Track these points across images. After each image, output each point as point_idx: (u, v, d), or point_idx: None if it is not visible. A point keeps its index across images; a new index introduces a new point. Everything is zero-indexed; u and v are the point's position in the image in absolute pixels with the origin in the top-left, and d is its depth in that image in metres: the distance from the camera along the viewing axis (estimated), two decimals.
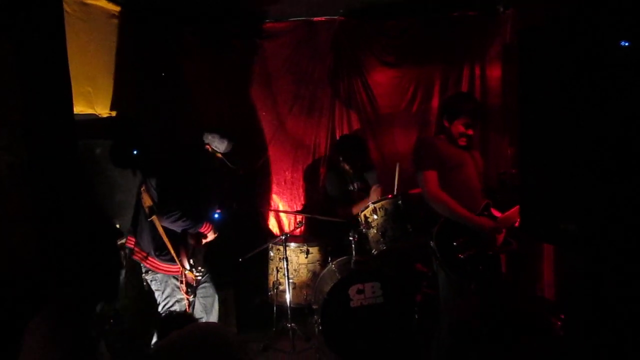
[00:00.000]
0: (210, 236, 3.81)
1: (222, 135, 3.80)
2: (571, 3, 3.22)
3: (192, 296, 3.65)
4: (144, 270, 3.66)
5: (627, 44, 1.83)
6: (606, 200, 2.01)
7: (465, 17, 5.25)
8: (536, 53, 2.21)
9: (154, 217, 3.51)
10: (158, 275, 3.62)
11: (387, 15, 5.19)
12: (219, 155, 3.83)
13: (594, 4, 2.45)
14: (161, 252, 3.57)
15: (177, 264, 3.58)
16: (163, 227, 3.53)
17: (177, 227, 3.57)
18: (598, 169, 2.02)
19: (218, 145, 3.79)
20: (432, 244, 3.49)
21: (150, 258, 3.60)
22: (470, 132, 3.60)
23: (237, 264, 4.58)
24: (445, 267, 3.48)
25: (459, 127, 3.59)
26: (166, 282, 3.62)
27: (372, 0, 4.80)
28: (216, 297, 3.91)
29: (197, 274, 3.68)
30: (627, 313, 2.31)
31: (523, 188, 2.32)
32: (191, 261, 3.65)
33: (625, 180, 1.99)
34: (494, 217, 3.62)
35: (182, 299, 3.61)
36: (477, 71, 5.37)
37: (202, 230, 3.72)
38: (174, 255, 3.55)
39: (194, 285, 3.68)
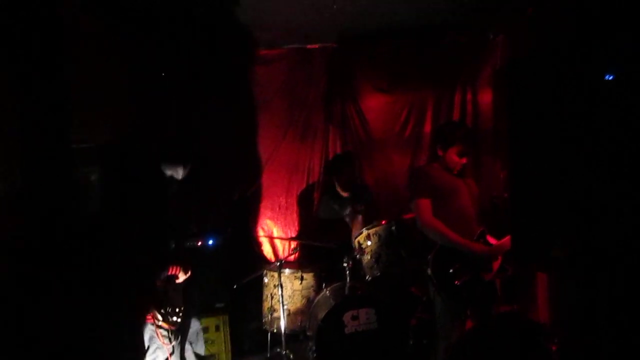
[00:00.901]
0: (181, 277, 3.51)
1: (174, 162, 3.59)
2: (559, 32, 3.31)
3: (173, 342, 3.39)
4: None
5: (611, 77, 1.89)
6: (596, 228, 2.04)
7: (456, 44, 5.32)
8: (525, 82, 2.26)
9: None
10: None
11: (380, 41, 5.26)
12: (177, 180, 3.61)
13: (581, 37, 2.51)
14: None
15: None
16: None
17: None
18: (587, 197, 2.06)
19: (173, 173, 3.58)
20: (428, 271, 3.52)
21: None
22: (464, 160, 3.66)
23: (232, 290, 4.57)
24: (442, 293, 3.51)
25: (452, 156, 3.65)
26: (145, 328, 3.34)
27: (364, 27, 4.86)
28: (199, 326, 3.77)
29: (175, 318, 3.37)
30: (619, 337, 2.33)
31: (514, 217, 2.35)
32: (163, 311, 3.33)
33: (614, 207, 2.02)
34: (490, 244, 3.65)
35: (162, 345, 3.36)
36: (469, 96, 5.44)
37: (170, 272, 3.44)
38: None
39: (175, 329, 3.40)
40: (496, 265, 3.60)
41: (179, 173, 3.61)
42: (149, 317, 3.33)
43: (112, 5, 3.89)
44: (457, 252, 3.52)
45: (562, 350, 3.83)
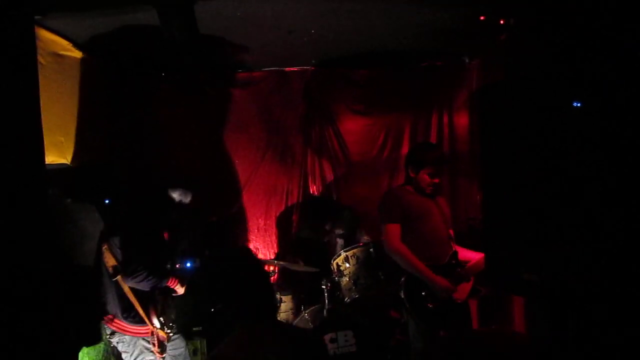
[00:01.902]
0: (179, 290, 3.68)
1: (185, 189, 3.75)
2: (531, 58, 3.39)
3: (163, 355, 3.51)
4: (108, 332, 3.50)
5: (579, 104, 1.94)
6: (566, 252, 2.08)
7: (433, 67, 5.41)
8: (495, 108, 2.31)
9: (119, 277, 3.38)
10: (126, 337, 3.46)
11: (357, 65, 5.33)
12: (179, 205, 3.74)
13: (548, 63, 2.58)
14: (129, 313, 3.42)
15: (147, 325, 3.44)
16: (129, 287, 3.41)
17: (143, 287, 3.43)
18: (558, 221, 2.10)
19: (182, 199, 3.71)
20: (401, 294, 3.54)
21: (116, 320, 3.44)
22: (436, 180, 3.68)
23: (210, 314, 4.53)
24: (414, 316, 3.52)
25: (424, 177, 3.67)
26: (135, 343, 3.46)
27: (342, 50, 4.92)
28: (186, 348, 3.80)
29: (169, 330, 3.55)
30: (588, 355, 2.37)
31: (487, 240, 2.38)
32: (161, 319, 3.51)
33: (584, 231, 2.07)
34: (462, 265, 3.68)
35: (152, 359, 3.48)
36: (446, 119, 5.52)
37: (169, 285, 3.60)
38: (143, 315, 3.42)
39: (166, 342, 3.55)
40: (468, 286, 3.63)
41: (188, 199, 3.76)
42: (143, 330, 3.46)
43: (88, 30, 3.90)
44: None
45: None
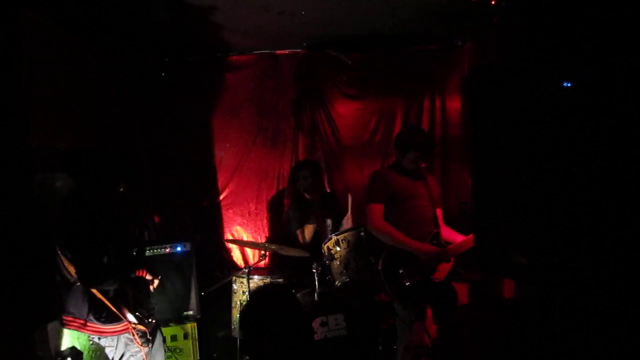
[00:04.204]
0: (148, 277, 3.45)
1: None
2: (521, 39, 3.36)
3: (148, 346, 3.35)
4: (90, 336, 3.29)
5: (569, 84, 1.92)
6: (555, 235, 2.07)
7: (425, 51, 5.37)
8: (486, 91, 2.29)
9: None
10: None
11: (349, 48, 5.28)
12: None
13: (541, 45, 2.55)
14: (101, 314, 3.17)
15: (123, 321, 3.22)
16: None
17: (109, 286, 3.18)
18: (546, 204, 2.09)
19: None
20: (379, 271, 3.59)
21: (89, 324, 3.19)
22: (422, 164, 3.73)
23: (201, 298, 4.52)
24: (391, 294, 3.57)
25: (410, 161, 3.72)
26: (118, 337, 3.27)
27: (333, 33, 4.87)
28: (161, 338, 3.63)
29: (148, 320, 3.37)
30: (575, 337, 2.39)
31: (476, 223, 2.37)
32: (137, 313, 3.29)
33: (573, 215, 2.06)
34: (442, 246, 3.72)
35: (137, 352, 3.32)
36: (438, 103, 5.49)
37: (138, 275, 3.37)
38: (117, 313, 3.18)
39: (149, 332, 3.38)
40: (448, 267, 3.67)
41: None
42: (120, 328, 3.27)
43: (74, 10, 3.82)
44: (407, 253, 3.62)
45: None
